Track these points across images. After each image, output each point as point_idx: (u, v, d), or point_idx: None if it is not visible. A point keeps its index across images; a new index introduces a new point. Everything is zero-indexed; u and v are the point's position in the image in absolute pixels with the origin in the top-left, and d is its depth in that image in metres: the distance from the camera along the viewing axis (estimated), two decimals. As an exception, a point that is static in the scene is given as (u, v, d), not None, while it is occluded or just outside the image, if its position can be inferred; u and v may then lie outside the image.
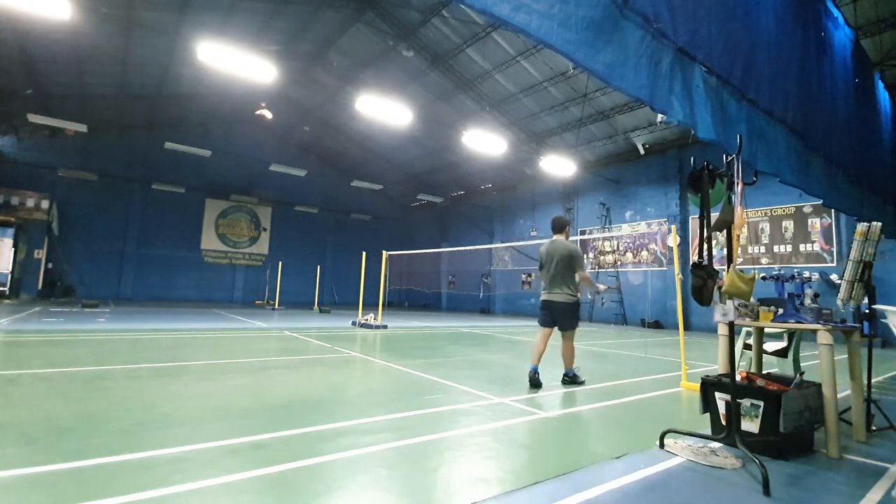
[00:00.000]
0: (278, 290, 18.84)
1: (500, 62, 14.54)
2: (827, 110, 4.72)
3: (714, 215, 2.85)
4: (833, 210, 12.16)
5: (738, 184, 3.00)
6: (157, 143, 19.15)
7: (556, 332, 4.99)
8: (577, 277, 4.87)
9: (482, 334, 10.60)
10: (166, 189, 21.14)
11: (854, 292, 3.59)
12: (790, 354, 4.29)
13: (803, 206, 12.84)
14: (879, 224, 3.54)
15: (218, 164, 21.96)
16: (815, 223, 12.63)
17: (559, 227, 5.12)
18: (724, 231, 2.89)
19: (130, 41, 13.53)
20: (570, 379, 4.93)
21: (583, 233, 18.57)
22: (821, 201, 4.83)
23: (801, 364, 4.30)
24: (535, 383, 4.60)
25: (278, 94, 19.08)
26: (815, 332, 3.00)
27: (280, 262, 20.80)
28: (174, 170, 21.25)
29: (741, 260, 13.49)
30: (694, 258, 2.85)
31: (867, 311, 3.76)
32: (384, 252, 12.13)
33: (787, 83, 3.93)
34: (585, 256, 18.66)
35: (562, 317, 4.91)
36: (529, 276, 21.08)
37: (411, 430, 3.03)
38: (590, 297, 4.65)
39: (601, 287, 5.30)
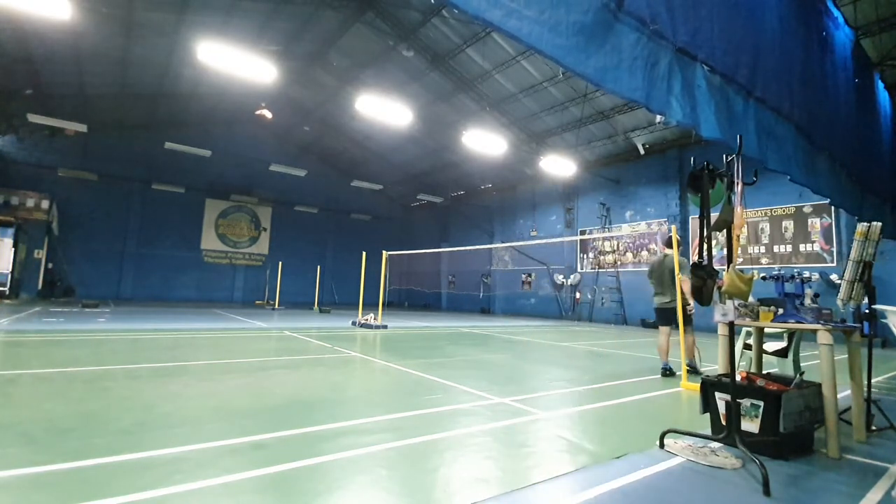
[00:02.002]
0: (278, 290, 18.84)
1: (500, 62, 14.54)
2: (830, 109, 4.73)
3: (714, 215, 2.85)
4: (833, 210, 12.17)
5: (738, 184, 2.99)
6: (157, 143, 19.13)
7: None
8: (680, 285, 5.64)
9: (482, 334, 10.60)
10: (166, 189, 21.14)
11: (854, 292, 3.59)
12: (790, 354, 4.29)
13: (803, 206, 12.84)
14: (879, 224, 3.54)
15: (218, 164, 21.96)
16: (815, 223, 12.63)
17: (667, 243, 6.16)
18: (724, 231, 2.89)
19: (130, 41, 13.54)
20: (670, 372, 5.66)
21: (583, 233, 18.58)
22: (827, 200, 4.85)
23: (801, 364, 4.31)
24: (666, 374, 5.62)
25: (278, 94, 19.07)
26: (815, 332, 3.00)
27: (280, 262, 20.80)
28: (174, 170, 21.25)
29: (741, 260, 13.49)
30: (694, 258, 2.85)
31: (867, 311, 3.77)
32: (384, 252, 12.13)
33: (791, 82, 3.93)
34: (585, 256, 18.69)
35: (657, 316, 6.11)
36: (529, 276, 21.08)
37: (411, 430, 3.03)
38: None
39: (689, 306, 5.78)
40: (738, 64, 3.23)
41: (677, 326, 5.54)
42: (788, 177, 3.85)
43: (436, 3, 12.56)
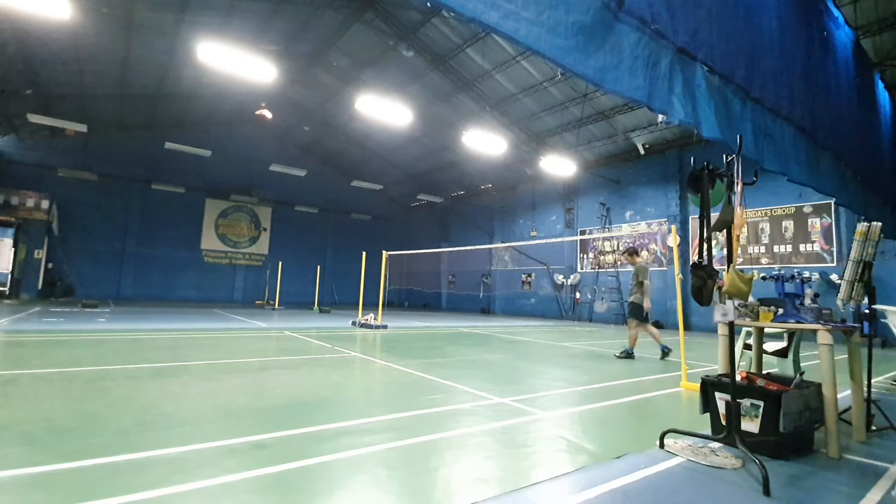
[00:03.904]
0: (278, 290, 18.84)
1: (500, 62, 14.54)
2: (832, 109, 4.73)
3: (714, 215, 2.85)
4: (833, 210, 12.17)
5: (738, 184, 2.99)
6: (157, 143, 19.15)
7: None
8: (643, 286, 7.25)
9: (482, 334, 10.60)
10: (166, 189, 21.15)
11: (854, 292, 3.59)
12: (790, 354, 4.29)
13: (803, 206, 12.84)
14: (879, 224, 3.55)
15: (218, 164, 21.97)
16: (815, 223, 12.63)
17: (633, 252, 7.73)
18: (724, 231, 2.89)
19: (130, 41, 13.54)
20: (625, 355, 7.09)
21: (583, 233, 18.58)
22: (832, 200, 4.87)
23: (801, 364, 4.30)
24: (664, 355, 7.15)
25: (278, 94, 19.08)
26: (815, 332, 3.00)
27: (280, 262, 20.81)
28: (174, 170, 21.25)
29: (741, 260, 13.49)
30: (694, 258, 2.85)
31: (867, 311, 3.77)
32: (384, 252, 12.13)
33: (792, 82, 3.93)
34: (585, 256, 18.70)
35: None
36: (529, 276, 21.08)
37: (411, 430, 3.03)
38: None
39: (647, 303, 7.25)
40: (736, 65, 3.23)
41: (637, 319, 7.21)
42: (786, 177, 3.85)
43: (432, 5, 12.57)
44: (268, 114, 18.71)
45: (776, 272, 3.38)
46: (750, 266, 13.63)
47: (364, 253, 13.06)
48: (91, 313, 11.67)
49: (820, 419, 2.91)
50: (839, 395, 3.08)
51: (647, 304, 7.12)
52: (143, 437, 2.67)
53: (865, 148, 5.66)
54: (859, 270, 3.56)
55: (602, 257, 18.01)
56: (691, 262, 2.88)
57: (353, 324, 11.39)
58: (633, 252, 7.72)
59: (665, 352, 7.19)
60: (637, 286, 7.23)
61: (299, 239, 25.42)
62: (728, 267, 2.84)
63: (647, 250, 16.57)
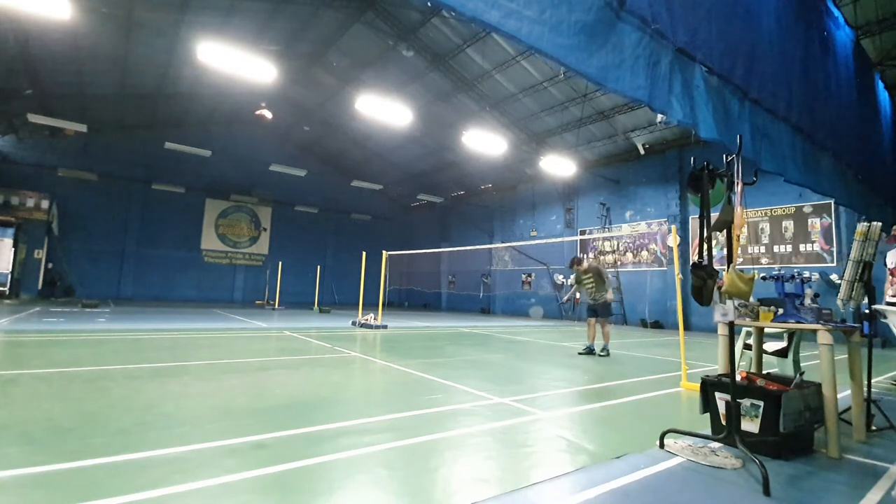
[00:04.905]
0: (278, 290, 18.83)
1: (500, 62, 14.54)
2: (832, 109, 4.73)
3: (714, 215, 2.85)
4: (833, 210, 12.17)
5: (738, 184, 2.99)
6: (158, 143, 19.12)
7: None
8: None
9: (482, 334, 10.60)
10: (166, 189, 21.14)
11: (854, 292, 3.59)
12: (790, 354, 4.29)
13: (803, 206, 12.83)
14: (879, 224, 3.54)
15: (218, 164, 21.95)
16: (815, 223, 12.63)
17: (577, 262, 7.81)
18: (724, 231, 2.89)
19: (130, 41, 13.54)
20: (587, 351, 7.37)
21: (583, 233, 18.58)
22: (832, 200, 4.89)
23: (801, 364, 4.30)
24: (586, 353, 7.33)
25: (278, 94, 19.07)
26: (815, 332, 3.00)
27: (280, 262, 20.79)
28: (174, 170, 21.24)
29: (741, 260, 13.49)
30: (694, 258, 2.85)
31: (867, 311, 3.77)
32: (384, 252, 12.13)
33: (791, 82, 3.93)
34: (586, 256, 18.69)
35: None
36: (529, 276, 21.08)
37: (411, 430, 3.03)
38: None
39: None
40: (735, 65, 3.24)
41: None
42: (783, 177, 3.86)
43: (433, 5, 12.57)
44: (268, 114, 18.70)
45: (776, 272, 3.38)
46: (750, 266, 13.62)
47: (364, 253, 13.06)
48: (91, 313, 11.67)
49: (820, 419, 2.91)
50: (839, 395, 3.08)
51: (610, 297, 7.55)
52: (143, 437, 2.67)
53: (866, 148, 5.66)
54: (859, 270, 3.56)
55: (602, 257, 18.00)
56: (691, 262, 2.88)
57: (353, 324, 11.39)
58: (579, 261, 7.85)
59: (591, 351, 7.38)
60: (600, 286, 7.50)
61: (299, 239, 25.41)
62: (728, 267, 2.84)
63: (647, 250, 16.57)
